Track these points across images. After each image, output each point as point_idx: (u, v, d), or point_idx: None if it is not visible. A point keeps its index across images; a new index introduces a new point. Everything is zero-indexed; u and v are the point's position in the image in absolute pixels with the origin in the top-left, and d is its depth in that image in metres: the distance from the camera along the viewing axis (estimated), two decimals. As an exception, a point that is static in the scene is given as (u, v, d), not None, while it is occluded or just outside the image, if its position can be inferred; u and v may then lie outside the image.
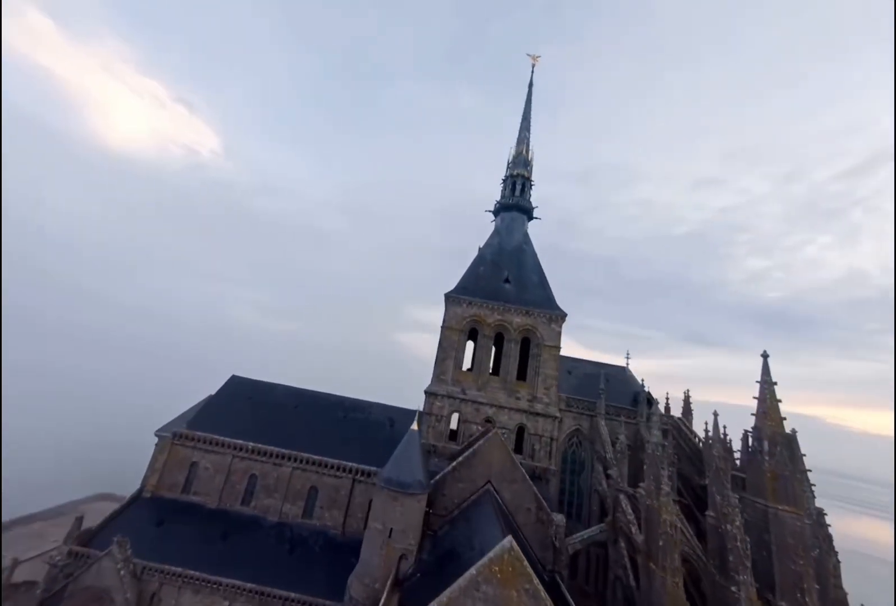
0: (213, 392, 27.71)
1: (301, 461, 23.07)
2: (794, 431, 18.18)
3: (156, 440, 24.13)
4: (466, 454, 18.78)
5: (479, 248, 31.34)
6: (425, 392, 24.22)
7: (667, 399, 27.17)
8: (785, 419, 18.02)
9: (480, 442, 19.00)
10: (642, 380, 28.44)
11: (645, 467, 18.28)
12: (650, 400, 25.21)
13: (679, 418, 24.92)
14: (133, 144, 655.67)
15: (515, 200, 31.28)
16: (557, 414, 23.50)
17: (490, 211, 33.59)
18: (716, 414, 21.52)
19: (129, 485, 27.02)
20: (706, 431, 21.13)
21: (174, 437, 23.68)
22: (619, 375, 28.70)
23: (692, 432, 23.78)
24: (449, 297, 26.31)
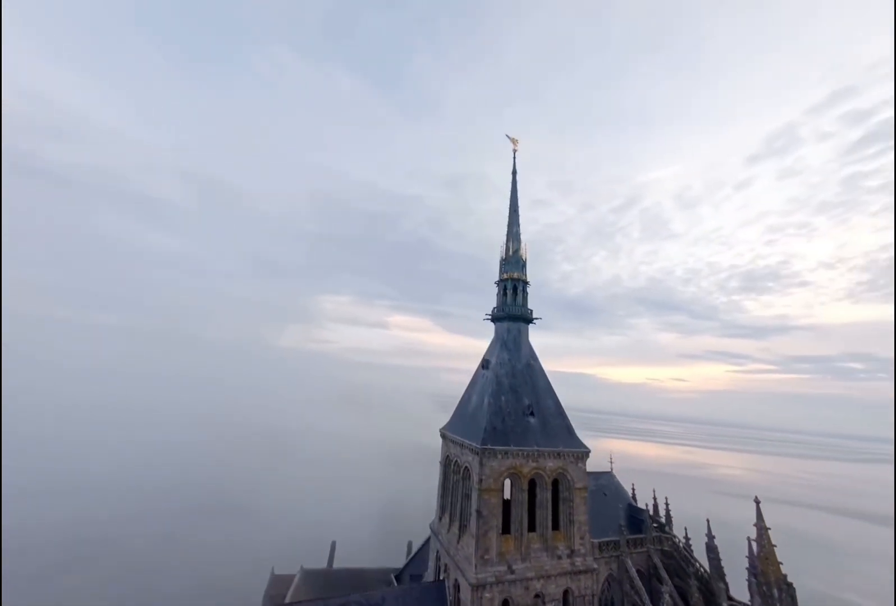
0: None
1: None
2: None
3: None
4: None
5: (487, 364, 28.41)
6: (471, 584, 20.08)
7: (654, 500, 30.88)
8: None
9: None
10: (633, 488, 31.54)
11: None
12: (642, 512, 28.01)
13: (679, 540, 28.26)
14: None
15: (519, 310, 29.52)
16: (595, 566, 23.23)
17: (488, 316, 31.00)
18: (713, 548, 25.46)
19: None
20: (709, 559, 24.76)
21: None
22: (610, 485, 30.73)
23: (689, 548, 27.40)
24: (486, 451, 22.51)
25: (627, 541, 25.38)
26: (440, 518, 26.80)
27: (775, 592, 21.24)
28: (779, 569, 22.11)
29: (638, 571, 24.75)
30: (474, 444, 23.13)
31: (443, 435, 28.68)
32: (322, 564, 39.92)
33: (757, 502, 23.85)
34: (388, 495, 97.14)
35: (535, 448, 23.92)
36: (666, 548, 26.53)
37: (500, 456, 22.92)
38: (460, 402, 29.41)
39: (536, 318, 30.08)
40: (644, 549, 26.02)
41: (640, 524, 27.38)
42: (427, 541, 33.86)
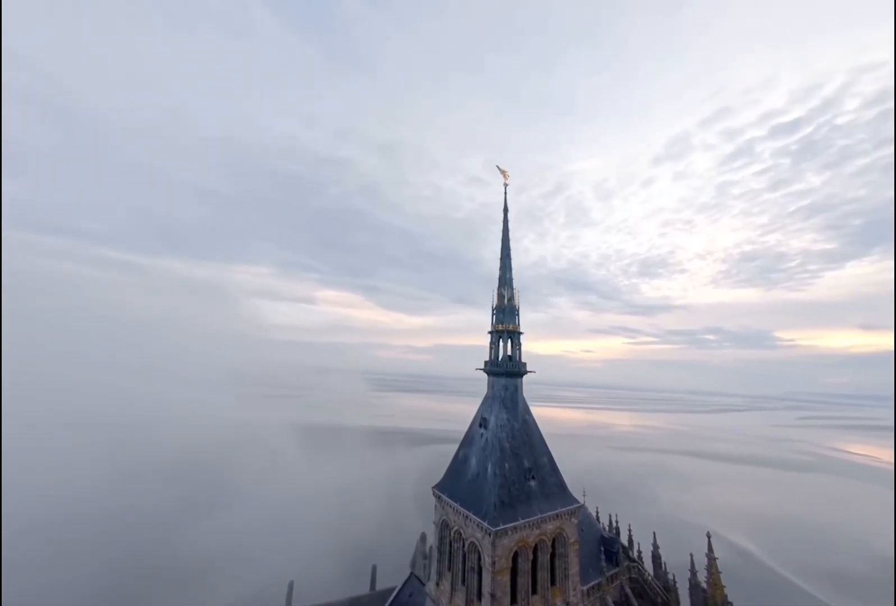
0: None
1: None
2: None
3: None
4: None
5: (485, 423, 27.78)
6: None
7: (616, 524, 34.64)
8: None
9: None
10: (605, 521, 34.70)
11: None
12: (615, 543, 31.49)
13: (645, 571, 32.22)
14: None
15: (516, 366, 29.04)
16: (586, 613, 25.59)
17: (482, 369, 30.02)
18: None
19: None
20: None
21: None
22: (585, 519, 33.36)
23: (657, 579, 31.57)
24: (498, 533, 22.37)
25: (607, 579, 28.39)
26: (438, 584, 26.66)
27: (723, 612, 26.08)
28: (723, 593, 26.96)
29: (614, 602, 28.07)
30: (486, 524, 22.79)
31: (437, 496, 27.93)
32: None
33: (708, 536, 28.24)
34: (339, 508, 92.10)
35: (539, 515, 24.58)
36: (633, 575, 30.43)
37: (510, 533, 23.05)
38: (455, 460, 28.69)
39: (530, 371, 30.02)
40: (618, 581, 29.49)
41: (613, 556, 30.77)
42: (404, 585, 34.06)
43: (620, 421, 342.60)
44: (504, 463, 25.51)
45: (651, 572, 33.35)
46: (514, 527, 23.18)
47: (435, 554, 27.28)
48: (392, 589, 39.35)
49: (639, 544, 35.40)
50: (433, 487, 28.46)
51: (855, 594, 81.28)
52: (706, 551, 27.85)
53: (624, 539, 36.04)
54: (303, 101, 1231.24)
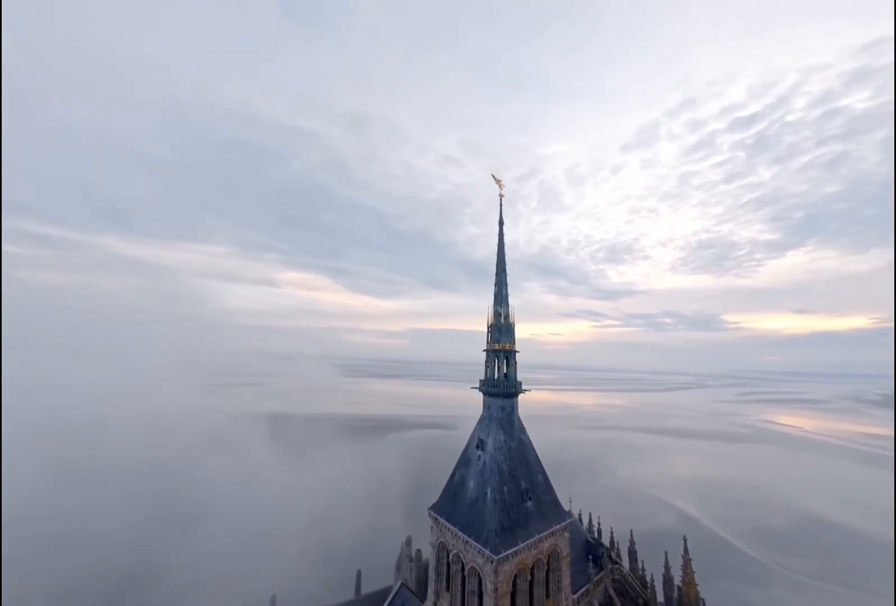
0: None
1: None
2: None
3: None
4: None
5: (482, 444, 27.63)
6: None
7: (598, 526, 36.46)
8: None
9: None
10: (588, 527, 36.35)
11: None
12: (599, 548, 33.21)
13: (625, 570, 34.24)
14: None
15: (513, 387, 28.88)
16: (576, 620, 26.95)
17: (476, 388, 29.63)
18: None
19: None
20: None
21: None
22: (571, 527, 35.10)
23: (633, 574, 33.72)
24: (501, 561, 22.64)
25: (594, 583, 30.00)
26: (435, 604, 26.99)
27: (695, 608, 28.49)
28: (696, 591, 29.38)
29: (600, 604, 29.87)
30: (487, 552, 22.95)
31: (433, 518, 27.86)
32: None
33: (685, 540, 30.39)
34: (317, 507, 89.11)
35: (536, 536, 25.15)
36: (616, 577, 32.42)
37: (511, 558, 23.44)
38: (451, 482, 28.51)
39: (525, 390, 30.01)
40: (603, 584, 31.31)
41: (597, 560, 32.50)
42: (395, 596, 34.43)
43: (585, 401, 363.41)
44: (503, 487, 25.62)
45: (627, 566, 35.77)
46: (515, 552, 23.56)
47: (432, 575, 27.45)
48: (378, 593, 39.77)
49: (618, 543, 37.68)
50: (429, 508, 28.31)
51: (777, 547, 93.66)
52: (682, 553, 30.11)
53: (600, 535, 38.30)
54: (260, 64, 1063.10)
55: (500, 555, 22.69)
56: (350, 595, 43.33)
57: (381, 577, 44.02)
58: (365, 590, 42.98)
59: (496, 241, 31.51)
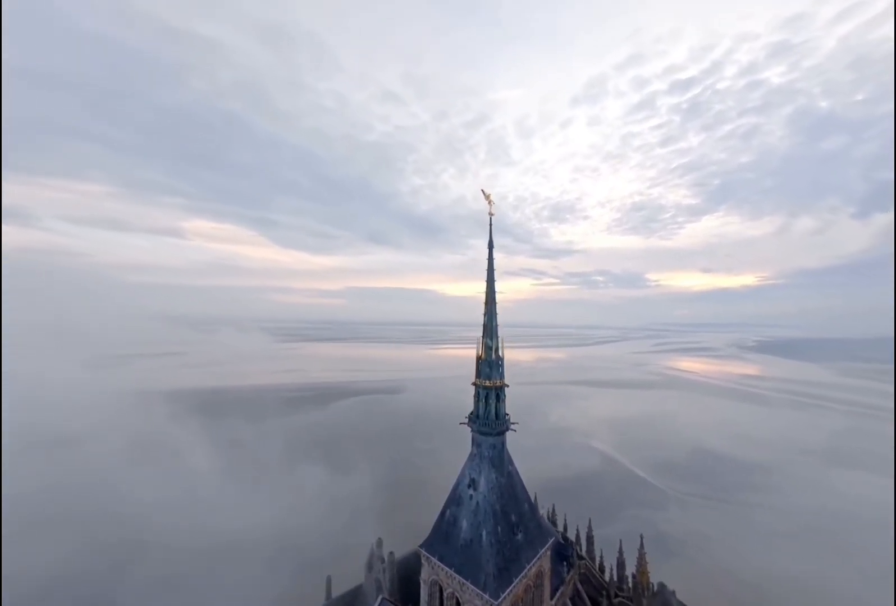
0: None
1: None
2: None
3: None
4: None
5: (474, 484, 27.33)
6: None
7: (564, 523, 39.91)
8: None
9: None
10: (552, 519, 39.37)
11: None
12: (568, 548, 36.63)
13: (587, 561, 38.13)
14: None
15: (504, 425, 28.28)
16: (554, 621, 29.96)
17: (465, 424, 28.63)
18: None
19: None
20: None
21: None
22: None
23: (593, 564, 37.88)
24: (500, 602, 23.38)
25: (565, 583, 33.35)
26: (429, 634, 28.00)
27: (646, 592, 33.31)
28: (648, 578, 34.10)
29: (569, 599, 33.60)
30: (486, 596, 23.54)
31: (426, 558, 27.83)
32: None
33: (641, 537, 34.53)
34: (267, 505, 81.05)
35: (527, 566, 26.44)
36: (582, 571, 36.39)
37: (508, 597, 24.46)
38: (441, 520, 28.23)
39: (514, 424, 29.70)
40: (573, 581, 34.98)
41: (566, 558, 35.95)
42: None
43: (525, 357, 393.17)
44: (497, 527, 25.95)
45: (584, 548, 40.46)
46: (511, 591, 24.56)
47: (425, 609, 28.10)
48: (348, 593, 40.08)
49: (578, 527, 42.01)
50: (420, 546, 28.17)
51: (674, 476, 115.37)
52: (638, 547, 34.50)
53: (560, 525, 42.45)
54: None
55: (500, 599, 23.46)
56: (321, 601, 42.68)
57: (353, 577, 43.75)
58: (335, 593, 42.73)
59: (485, 256, 28.76)
